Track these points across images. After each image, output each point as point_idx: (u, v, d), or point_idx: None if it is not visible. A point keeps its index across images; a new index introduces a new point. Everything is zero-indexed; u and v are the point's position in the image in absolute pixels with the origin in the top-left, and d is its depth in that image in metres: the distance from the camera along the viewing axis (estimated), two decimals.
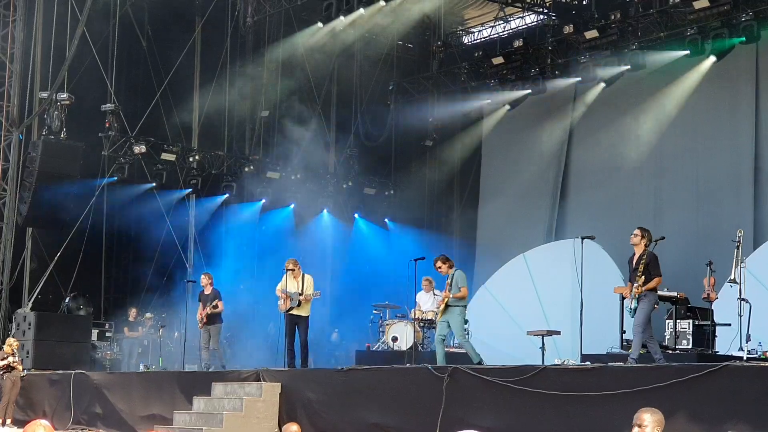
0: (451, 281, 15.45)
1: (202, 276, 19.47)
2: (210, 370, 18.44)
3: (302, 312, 17.34)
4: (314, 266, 21.18)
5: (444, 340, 15.98)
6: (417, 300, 19.27)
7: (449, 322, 15.57)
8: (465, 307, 15.78)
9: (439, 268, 15.62)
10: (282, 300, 17.34)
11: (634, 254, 13.64)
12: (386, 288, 22.80)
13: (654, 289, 13.55)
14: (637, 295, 13.32)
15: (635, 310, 13.39)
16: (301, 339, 17.39)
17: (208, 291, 19.15)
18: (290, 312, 17.29)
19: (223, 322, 19.40)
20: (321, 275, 22.83)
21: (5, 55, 23.92)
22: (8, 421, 19.21)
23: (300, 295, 17.21)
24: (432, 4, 26.02)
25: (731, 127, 22.73)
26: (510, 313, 23.66)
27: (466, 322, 21.95)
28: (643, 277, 13.32)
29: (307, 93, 28.48)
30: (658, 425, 6.89)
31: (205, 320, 18.96)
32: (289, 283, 17.35)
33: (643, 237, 13.58)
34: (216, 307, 18.87)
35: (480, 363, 14.39)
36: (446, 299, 15.47)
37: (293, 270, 17.42)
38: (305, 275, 17.45)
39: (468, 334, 16.58)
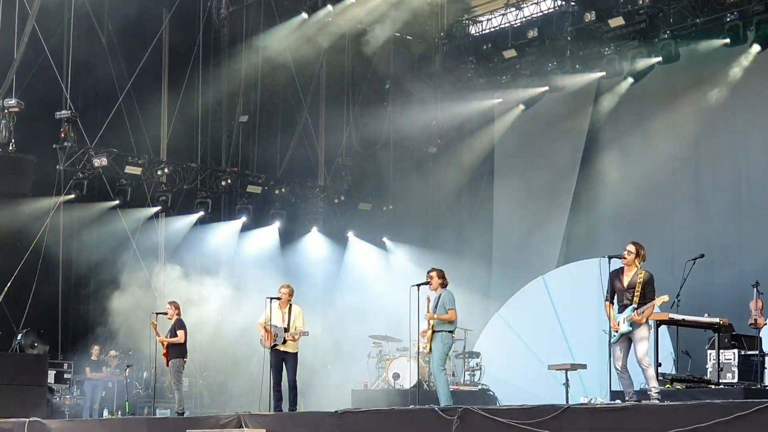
0: (437, 302, 15.52)
1: (168, 305, 19.50)
2: (184, 414, 18.45)
3: (289, 348, 17.34)
4: (303, 293, 21.20)
5: (444, 371, 15.97)
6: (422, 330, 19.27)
7: (434, 350, 15.62)
8: (452, 332, 15.80)
9: (431, 279, 15.71)
10: (264, 335, 17.32)
11: (622, 271, 13.70)
12: (385, 317, 22.82)
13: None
14: (632, 320, 13.37)
15: (622, 335, 13.43)
16: (289, 378, 17.38)
17: (172, 321, 19.19)
18: (276, 348, 17.29)
19: (186, 356, 19.35)
20: (310, 303, 22.86)
21: None
22: None
23: (286, 331, 17.21)
24: None
25: None
26: (528, 344, 23.72)
27: (476, 355, 22.14)
28: (638, 298, 13.37)
29: (291, 94, 28.57)
30: None
31: (165, 353, 18.99)
32: (275, 315, 17.33)
33: (638, 255, 13.64)
34: (175, 335, 18.89)
35: (447, 407, 14.32)
36: (431, 321, 15.49)
37: (282, 299, 17.39)
38: (293, 306, 17.43)
39: (452, 372, 16.57)
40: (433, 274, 15.79)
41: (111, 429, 18.57)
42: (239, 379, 25.72)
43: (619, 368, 13.63)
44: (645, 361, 13.45)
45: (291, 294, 17.49)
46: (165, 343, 18.96)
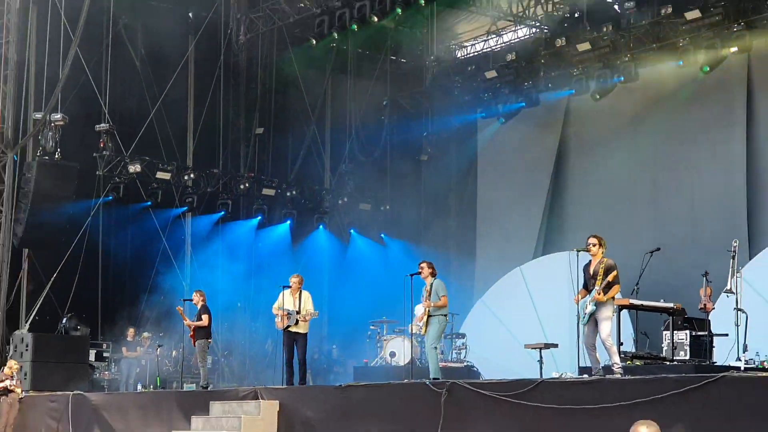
0: (430, 290, 15.53)
1: (195, 294, 19.45)
2: (208, 388, 18.43)
3: (300, 329, 17.31)
4: (311, 282, 21.14)
5: (436, 349, 15.99)
6: (415, 313, 19.22)
7: (429, 331, 15.62)
8: (445, 316, 15.83)
9: (422, 269, 15.73)
10: (279, 318, 17.32)
11: (590, 262, 13.70)
12: (383, 303, 22.78)
13: (612, 297, 13.62)
14: (595, 301, 13.37)
15: (590, 315, 13.42)
16: (299, 356, 17.35)
17: (198, 307, 19.16)
18: (288, 329, 17.27)
19: (210, 337, 19.34)
20: (318, 291, 22.78)
21: None
22: None
23: (298, 314, 17.19)
24: (425, 18, 26.07)
25: (724, 138, 22.77)
26: (508, 326, 23.70)
27: (462, 336, 22.13)
28: (602, 282, 13.37)
29: (301, 109, 28.53)
30: None
31: (192, 334, 18.98)
32: (287, 300, 17.32)
33: (600, 246, 13.66)
34: (200, 319, 18.88)
35: (437, 381, 14.32)
36: (427, 309, 15.52)
37: (292, 287, 17.40)
38: (302, 292, 17.42)
39: (441, 351, 16.57)
40: (424, 265, 15.82)
41: (144, 401, 18.53)
42: (256, 357, 25.72)
43: (588, 346, 13.63)
44: (608, 341, 13.44)
45: (301, 282, 17.47)
46: (192, 327, 18.94)
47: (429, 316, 15.54)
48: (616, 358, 13.49)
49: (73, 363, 22.26)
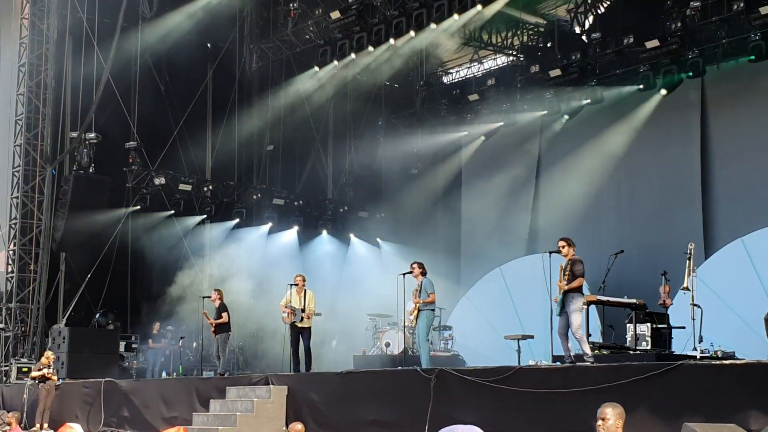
0: (420, 288, 15.51)
1: (213, 292, 19.38)
2: (224, 375, 18.33)
3: (305, 324, 17.28)
4: (316, 280, 21.12)
5: (428, 341, 15.94)
6: (407, 308, 19.16)
7: (419, 325, 15.60)
8: (433, 311, 15.85)
9: (413, 269, 15.72)
10: (286, 314, 17.25)
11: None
12: (379, 299, 22.72)
13: (581, 292, 13.55)
14: (562, 291, 13.34)
15: (560, 306, 13.38)
16: (304, 346, 17.30)
17: (216, 305, 19.07)
18: (294, 324, 17.22)
19: (230, 331, 19.26)
20: (321, 288, 22.68)
21: (39, 100, 23.86)
22: (45, 425, 19.09)
23: (303, 312, 17.14)
24: (415, 48, 26.02)
25: (681, 152, 22.72)
26: (489, 320, 23.61)
27: (449, 328, 22.04)
28: (568, 276, 13.36)
29: (306, 129, 28.49)
30: (620, 418, 6.84)
31: (213, 329, 18.89)
32: (293, 298, 17.25)
33: (569, 246, 13.65)
34: (220, 317, 18.78)
35: (426, 368, 14.24)
36: (417, 305, 15.51)
37: (298, 285, 17.35)
38: (307, 291, 17.37)
39: (430, 341, 16.53)
40: (415, 265, 15.83)
41: (168, 387, 18.45)
42: (267, 347, 25.59)
43: (561, 337, 13.57)
44: (578, 332, 13.39)
45: (304, 281, 17.44)
46: (214, 324, 18.84)
47: (419, 310, 15.55)
48: (586, 348, 13.43)
49: (105, 353, 22.20)
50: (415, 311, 15.59)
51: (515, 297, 23.34)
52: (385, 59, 26.06)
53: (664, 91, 22.52)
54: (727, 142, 22.06)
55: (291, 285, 17.39)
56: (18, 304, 23.27)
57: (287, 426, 14.74)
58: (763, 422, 9.98)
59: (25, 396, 19.91)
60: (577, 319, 13.33)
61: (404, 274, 15.89)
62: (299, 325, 17.17)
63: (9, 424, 17.03)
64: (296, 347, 17.26)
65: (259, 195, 27.28)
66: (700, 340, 14.55)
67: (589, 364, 12.96)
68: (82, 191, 23.01)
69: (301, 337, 17.24)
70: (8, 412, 19.15)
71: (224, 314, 18.76)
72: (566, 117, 24.78)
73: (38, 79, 23.90)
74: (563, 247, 13.65)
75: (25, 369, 21.74)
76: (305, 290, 17.33)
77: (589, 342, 14.06)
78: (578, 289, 13.45)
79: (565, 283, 13.32)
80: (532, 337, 16.65)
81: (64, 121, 24.02)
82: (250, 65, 28.03)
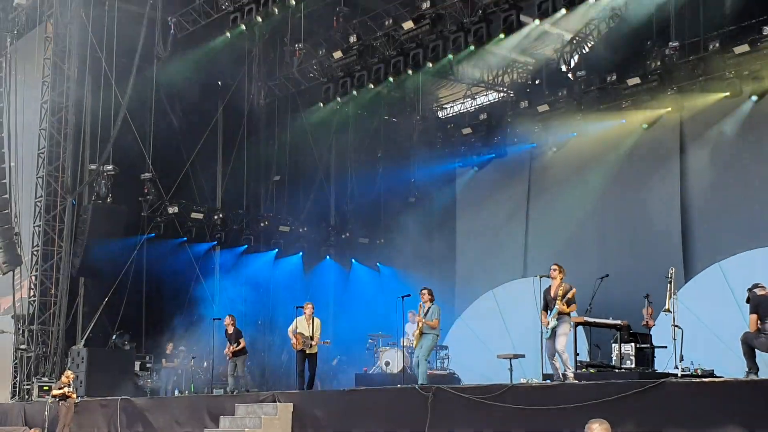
0: (427, 311, 15.48)
1: (227, 317, 19.38)
2: (234, 393, 18.31)
3: (313, 351, 17.30)
4: (319, 303, 21.08)
5: (427, 362, 15.90)
6: (405, 330, 19.17)
7: (422, 344, 15.55)
8: (437, 336, 15.77)
9: (423, 294, 15.66)
10: (295, 340, 17.22)
11: (550, 287, 13.72)
12: (379, 320, 22.69)
13: (569, 316, 13.58)
14: (558, 313, 13.36)
15: (553, 330, 13.39)
16: (310, 372, 17.27)
17: (230, 330, 19.05)
18: (302, 350, 17.22)
19: (247, 353, 19.35)
20: (325, 311, 22.74)
21: (60, 134, 23.98)
22: None
23: (311, 339, 17.13)
24: (412, 85, 26.19)
25: (661, 183, 22.76)
26: (482, 340, 23.58)
27: (445, 348, 22.02)
28: (563, 300, 13.38)
29: (310, 160, 28.55)
30: None
31: (231, 355, 18.92)
32: (301, 326, 17.24)
33: (560, 272, 13.71)
34: (239, 344, 18.83)
35: (424, 386, 14.22)
36: (420, 324, 15.46)
37: (306, 313, 17.34)
38: (314, 319, 17.36)
39: (428, 362, 16.51)
40: (425, 291, 15.72)
41: (181, 404, 18.42)
42: (274, 367, 25.55)
43: (550, 357, 13.60)
44: (564, 354, 13.44)
45: (312, 309, 17.45)
46: (231, 352, 18.90)
47: (423, 333, 15.49)
48: (569, 366, 13.46)
49: (121, 373, 22.18)
50: (419, 332, 15.55)
51: (507, 318, 23.32)
52: (385, 94, 26.22)
53: (645, 125, 22.63)
54: (705, 173, 22.13)
55: (298, 308, 17.39)
56: (39, 327, 23.28)
57: None
58: None
59: (46, 413, 19.87)
60: (563, 340, 13.42)
61: (403, 297, 15.91)
62: (308, 351, 17.19)
63: None
64: (302, 368, 17.24)
65: (267, 222, 27.31)
66: (681, 359, 14.54)
67: (575, 381, 12.98)
68: (100, 220, 23.03)
69: (308, 362, 17.22)
70: (30, 428, 19.15)
71: (241, 340, 18.90)
72: (554, 149, 24.88)
73: (59, 115, 24.04)
74: (554, 271, 13.72)
75: (46, 387, 21.72)
76: (313, 318, 17.32)
77: (576, 361, 14.08)
78: (568, 313, 13.54)
79: (563, 304, 13.35)
80: (523, 356, 16.64)
81: (83, 154, 24.11)
82: (257, 101, 28.14)
